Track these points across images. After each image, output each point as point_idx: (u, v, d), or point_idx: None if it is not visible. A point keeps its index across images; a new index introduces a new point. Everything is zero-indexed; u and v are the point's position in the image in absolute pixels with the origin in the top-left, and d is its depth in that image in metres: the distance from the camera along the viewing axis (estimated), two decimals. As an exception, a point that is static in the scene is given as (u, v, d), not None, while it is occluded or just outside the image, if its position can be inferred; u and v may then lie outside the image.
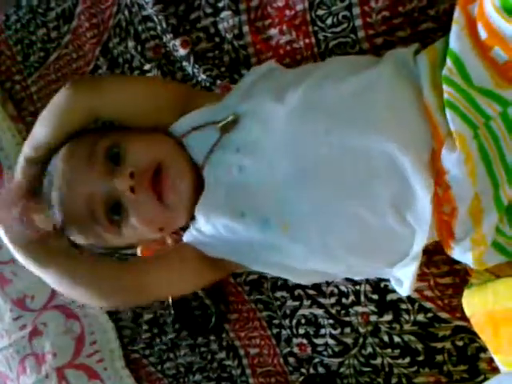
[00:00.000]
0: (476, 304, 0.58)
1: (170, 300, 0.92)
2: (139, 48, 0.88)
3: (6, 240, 0.65)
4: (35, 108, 1.04)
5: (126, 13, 0.88)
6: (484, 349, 0.66)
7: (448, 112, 0.50)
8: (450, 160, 0.51)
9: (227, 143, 0.63)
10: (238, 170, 0.61)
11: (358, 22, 0.69)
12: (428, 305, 0.70)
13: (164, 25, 0.82)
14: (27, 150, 0.67)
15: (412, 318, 0.72)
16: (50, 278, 0.65)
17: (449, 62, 0.52)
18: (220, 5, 0.78)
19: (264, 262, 0.64)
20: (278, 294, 0.82)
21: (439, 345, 0.70)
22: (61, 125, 0.65)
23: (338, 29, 0.71)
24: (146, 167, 0.61)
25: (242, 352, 0.88)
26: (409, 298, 0.71)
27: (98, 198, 0.61)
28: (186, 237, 0.69)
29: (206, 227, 0.65)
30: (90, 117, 0.66)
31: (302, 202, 0.57)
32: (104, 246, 0.68)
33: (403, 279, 0.59)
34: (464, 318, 0.62)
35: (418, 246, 0.55)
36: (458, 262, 0.65)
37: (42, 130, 0.66)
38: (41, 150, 0.66)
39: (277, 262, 0.63)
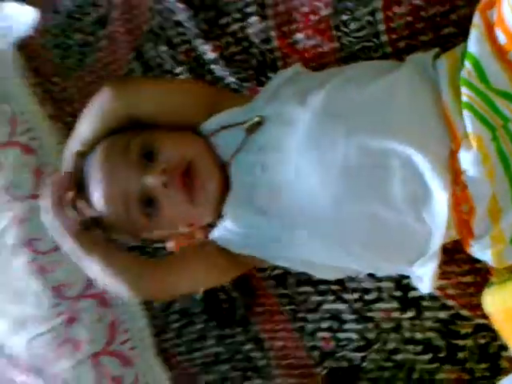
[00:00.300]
0: (496, 302, 0.59)
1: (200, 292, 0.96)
2: (171, 52, 0.91)
3: (56, 228, 0.70)
4: (73, 108, 1.08)
5: (159, 19, 0.91)
6: (506, 347, 0.66)
7: (466, 114, 0.52)
8: (467, 160, 0.52)
9: (251, 144, 0.65)
10: (260, 169, 0.63)
11: (381, 27, 0.71)
12: (450, 302, 0.71)
13: (195, 30, 0.85)
14: (74, 144, 0.72)
15: (434, 315, 0.73)
16: (91, 266, 0.70)
17: (467, 65, 0.53)
18: (248, 10, 0.81)
19: (286, 258, 0.68)
20: (303, 288, 0.84)
21: (461, 342, 0.72)
22: (102, 122, 0.70)
23: (362, 33, 0.72)
24: (178, 164, 0.64)
25: (267, 344, 0.91)
26: (431, 295, 0.72)
27: (132, 193, 0.64)
28: (214, 235, 0.72)
29: (233, 225, 0.68)
30: (127, 116, 0.70)
31: (322, 201, 0.59)
32: (136, 238, 0.72)
33: (423, 277, 0.61)
34: (485, 316, 0.63)
35: (435, 245, 0.57)
36: (479, 261, 0.65)
37: (86, 127, 0.71)
38: (87, 145, 0.71)
39: (299, 257, 0.66)
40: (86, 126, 0.71)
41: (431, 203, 0.55)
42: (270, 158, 0.63)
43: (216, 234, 0.72)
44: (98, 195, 0.67)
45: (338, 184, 0.58)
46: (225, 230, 0.70)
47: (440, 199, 0.54)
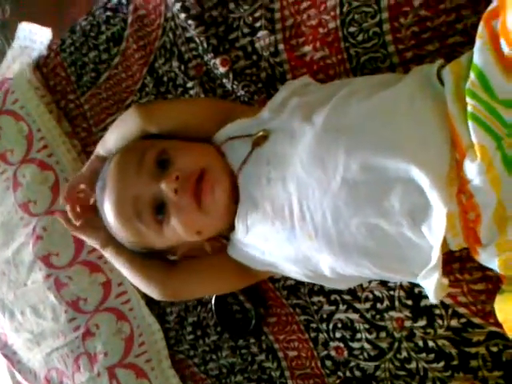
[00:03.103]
0: (508, 310, 0.59)
1: (213, 303, 0.97)
2: (182, 67, 0.93)
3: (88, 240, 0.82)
4: (88, 124, 1.11)
5: (171, 35, 0.93)
6: (519, 355, 0.67)
7: (470, 124, 0.52)
8: (472, 170, 0.52)
9: (259, 156, 0.67)
10: (266, 182, 0.65)
11: (388, 38, 0.72)
12: (461, 310, 0.71)
13: (205, 45, 0.87)
14: (99, 149, 0.81)
15: (446, 323, 0.73)
16: (120, 270, 0.81)
17: (472, 76, 0.54)
18: (257, 25, 0.83)
19: (295, 271, 0.68)
20: (315, 298, 0.85)
21: (473, 350, 0.71)
22: (122, 137, 0.76)
23: (369, 44, 0.74)
24: (190, 172, 0.66)
25: (280, 354, 0.91)
26: (442, 303, 0.72)
27: (145, 198, 0.67)
28: (229, 250, 0.75)
29: (245, 237, 0.69)
30: (143, 133, 0.76)
31: (325, 216, 0.60)
32: (144, 246, 0.74)
33: (429, 288, 0.61)
34: (498, 323, 0.63)
35: (435, 257, 0.56)
36: (490, 269, 0.66)
37: (110, 138, 0.79)
38: (108, 152, 0.78)
39: (306, 269, 0.67)
40: (110, 136, 0.79)
41: (430, 217, 0.55)
42: (275, 171, 0.65)
43: (232, 248, 0.74)
44: (109, 198, 0.69)
45: (338, 197, 0.59)
46: (239, 243, 0.71)
47: (438, 213, 0.54)
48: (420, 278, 0.60)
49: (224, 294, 0.95)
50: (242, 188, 0.68)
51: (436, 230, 0.55)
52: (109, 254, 0.80)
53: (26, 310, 1.20)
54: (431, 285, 0.59)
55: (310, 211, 0.61)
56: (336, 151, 0.59)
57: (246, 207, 0.67)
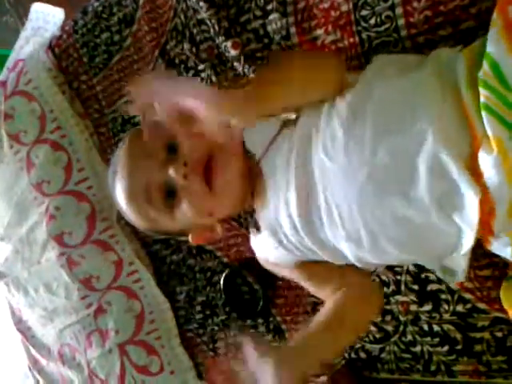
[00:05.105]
0: (514, 296, 0.60)
1: (222, 284, 0.98)
2: (194, 49, 0.93)
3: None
4: (100, 105, 1.12)
5: (182, 17, 0.93)
6: (523, 340, 0.68)
7: (484, 115, 0.51)
8: (488, 162, 0.51)
9: (284, 139, 0.66)
10: (291, 168, 0.64)
11: (401, 22, 0.71)
12: (467, 296, 0.72)
13: (216, 27, 0.87)
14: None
15: (451, 308, 0.74)
16: None
17: (485, 65, 0.52)
18: (269, 8, 0.82)
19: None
20: (322, 281, 0.86)
21: (478, 335, 0.72)
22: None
23: (382, 28, 0.73)
24: (199, 157, 0.66)
25: (287, 335, 0.93)
26: (448, 288, 0.73)
27: (155, 183, 0.67)
28: (269, 256, 0.73)
29: (264, 230, 0.70)
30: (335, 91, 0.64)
31: (351, 205, 0.59)
32: (157, 229, 0.74)
33: (456, 268, 0.62)
34: (503, 309, 0.64)
35: (468, 244, 0.56)
36: (497, 256, 0.66)
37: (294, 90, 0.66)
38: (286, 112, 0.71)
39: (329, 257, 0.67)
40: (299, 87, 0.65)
41: (463, 205, 0.54)
42: (298, 158, 0.64)
43: (271, 255, 0.73)
44: (120, 185, 0.70)
45: (365, 184, 0.58)
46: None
47: (471, 201, 0.53)
48: (448, 260, 0.61)
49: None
50: (266, 168, 0.68)
51: (469, 218, 0.54)
52: None
53: (40, 287, 1.23)
54: (461, 264, 0.61)
55: (335, 200, 0.60)
56: (362, 137, 0.58)
57: (268, 196, 0.67)
